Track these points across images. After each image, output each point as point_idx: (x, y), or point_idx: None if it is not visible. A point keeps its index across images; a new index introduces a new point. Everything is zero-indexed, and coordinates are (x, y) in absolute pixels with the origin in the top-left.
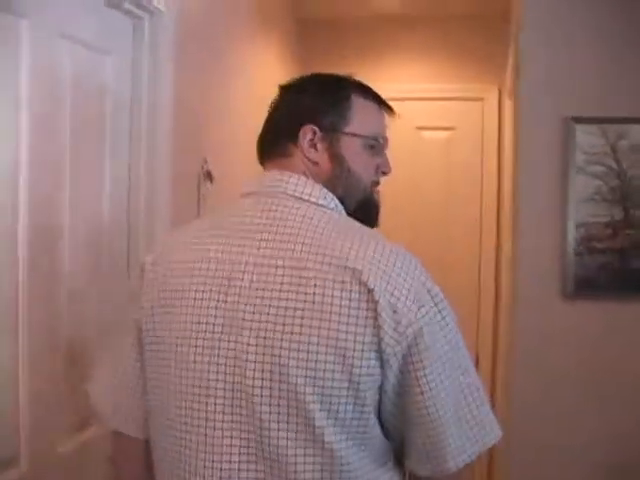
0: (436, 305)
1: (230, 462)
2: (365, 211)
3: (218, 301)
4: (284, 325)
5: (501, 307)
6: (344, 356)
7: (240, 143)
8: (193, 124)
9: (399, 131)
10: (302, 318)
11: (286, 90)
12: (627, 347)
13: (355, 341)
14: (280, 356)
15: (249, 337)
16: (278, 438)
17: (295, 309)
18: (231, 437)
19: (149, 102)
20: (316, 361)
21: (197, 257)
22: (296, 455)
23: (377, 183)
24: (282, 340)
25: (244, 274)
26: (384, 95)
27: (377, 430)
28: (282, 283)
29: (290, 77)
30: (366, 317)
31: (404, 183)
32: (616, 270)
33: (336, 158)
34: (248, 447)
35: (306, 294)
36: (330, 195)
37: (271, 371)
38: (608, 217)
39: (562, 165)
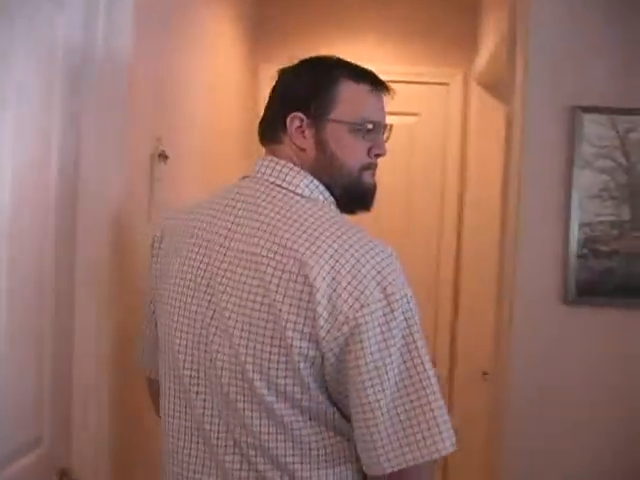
0: (389, 305)
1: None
2: (352, 196)
3: (196, 274)
4: (239, 306)
5: (461, 302)
6: (284, 340)
7: (196, 122)
8: (147, 100)
9: None
10: (254, 301)
11: (281, 75)
12: (633, 359)
13: (294, 330)
14: (232, 335)
15: (213, 308)
16: (244, 410)
17: (249, 292)
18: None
19: (102, 72)
20: (262, 343)
21: (187, 232)
22: (252, 418)
23: (372, 165)
24: (237, 321)
25: (217, 253)
26: None
27: (329, 408)
28: (240, 266)
29: (247, 54)
30: (306, 309)
31: None
32: (622, 275)
33: (320, 144)
34: (212, 408)
35: (260, 279)
36: (315, 184)
37: (228, 341)
38: (614, 216)
39: (567, 158)
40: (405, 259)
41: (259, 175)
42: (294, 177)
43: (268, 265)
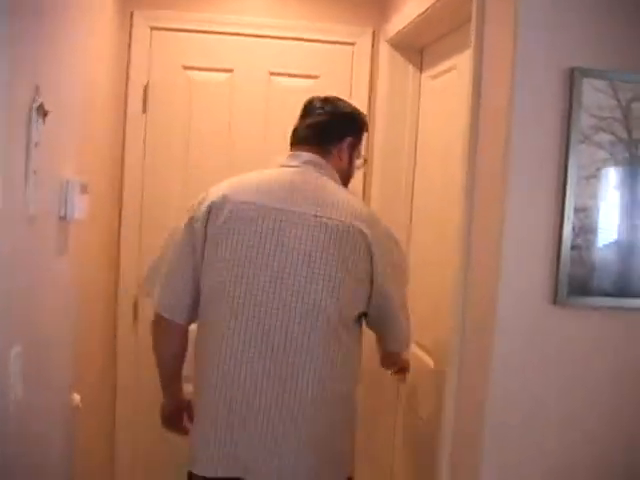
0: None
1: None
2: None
3: (272, 235)
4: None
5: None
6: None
7: (77, 69)
8: (23, 37)
9: (247, 76)
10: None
11: (333, 103)
12: (630, 363)
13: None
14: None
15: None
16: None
17: (323, 245)
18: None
19: None
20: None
21: (256, 201)
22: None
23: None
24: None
25: (292, 219)
26: (228, 29)
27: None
28: (314, 228)
29: None
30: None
31: (254, 140)
32: (620, 269)
33: (350, 160)
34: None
35: (333, 237)
36: (337, 175)
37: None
38: (613, 201)
39: (562, 131)
40: None
41: (307, 165)
42: (328, 169)
43: (330, 224)
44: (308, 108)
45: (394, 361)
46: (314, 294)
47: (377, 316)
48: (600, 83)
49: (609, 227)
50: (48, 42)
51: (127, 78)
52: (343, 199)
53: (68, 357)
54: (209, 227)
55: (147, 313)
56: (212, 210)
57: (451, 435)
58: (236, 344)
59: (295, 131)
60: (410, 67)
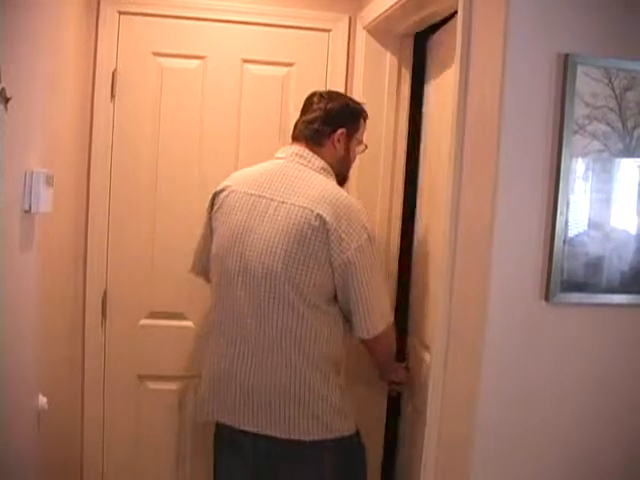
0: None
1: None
2: (344, 177)
3: (246, 219)
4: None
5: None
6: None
7: (41, 54)
8: None
9: (220, 63)
10: (287, 235)
11: (327, 99)
12: (623, 360)
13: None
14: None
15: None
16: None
17: (284, 229)
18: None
19: None
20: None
21: (246, 189)
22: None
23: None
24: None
25: (264, 205)
26: (200, 14)
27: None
28: (279, 213)
29: None
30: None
31: (227, 129)
32: (614, 265)
33: (346, 150)
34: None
35: (293, 222)
36: (328, 167)
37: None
38: (606, 193)
39: (555, 120)
40: None
41: (295, 158)
42: (319, 162)
43: (302, 210)
44: (307, 104)
45: (383, 372)
46: (269, 264)
47: (341, 299)
48: (594, 71)
49: (603, 221)
50: (10, 25)
51: (94, 64)
52: (316, 188)
53: (33, 357)
54: (213, 211)
55: (115, 309)
56: (215, 197)
57: (437, 432)
58: (219, 316)
59: (295, 126)
60: (388, 54)
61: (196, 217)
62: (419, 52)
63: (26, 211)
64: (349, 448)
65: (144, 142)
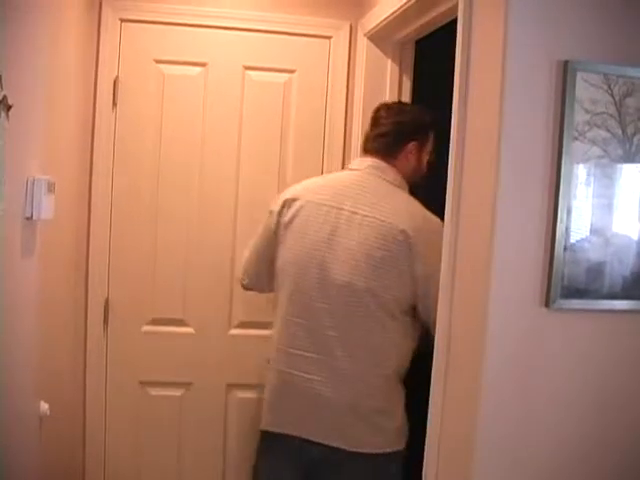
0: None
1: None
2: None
3: (325, 229)
4: (361, 253)
5: None
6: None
7: (42, 61)
8: None
9: (221, 70)
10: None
11: (398, 111)
12: (624, 367)
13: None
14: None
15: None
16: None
17: (368, 243)
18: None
19: None
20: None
21: (324, 200)
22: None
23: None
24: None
25: (346, 218)
26: (201, 21)
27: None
28: (363, 227)
29: None
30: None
31: (228, 136)
32: (614, 271)
33: (418, 161)
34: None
35: (377, 236)
36: (402, 180)
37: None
38: (607, 199)
39: (555, 127)
40: None
41: (370, 170)
42: (393, 175)
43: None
44: (375, 118)
45: None
46: (352, 276)
47: (421, 310)
48: (594, 77)
49: (604, 227)
50: (11, 32)
51: (96, 71)
52: (397, 202)
53: (34, 364)
54: (281, 218)
55: (117, 315)
56: (285, 204)
57: (438, 439)
58: (292, 329)
59: (366, 140)
60: (389, 61)
61: (197, 224)
62: (420, 59)
63: (28, 218)
64: (403, 459)
65: (145, 149)
